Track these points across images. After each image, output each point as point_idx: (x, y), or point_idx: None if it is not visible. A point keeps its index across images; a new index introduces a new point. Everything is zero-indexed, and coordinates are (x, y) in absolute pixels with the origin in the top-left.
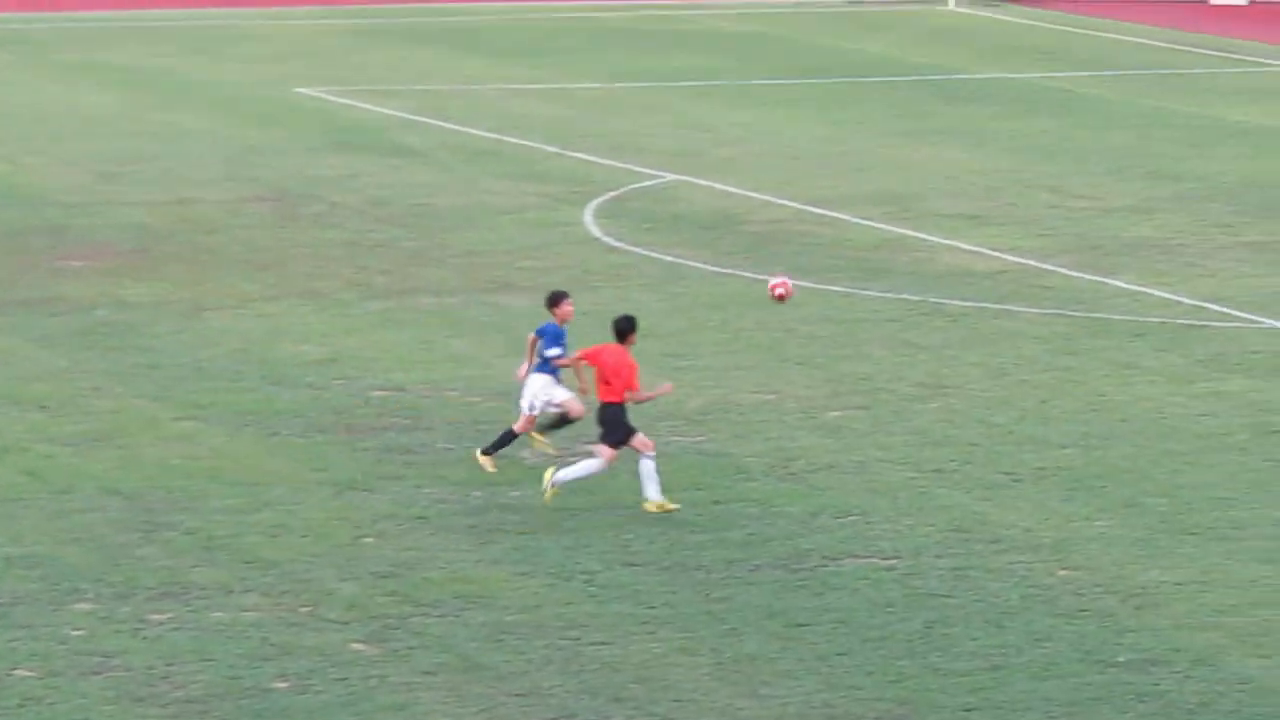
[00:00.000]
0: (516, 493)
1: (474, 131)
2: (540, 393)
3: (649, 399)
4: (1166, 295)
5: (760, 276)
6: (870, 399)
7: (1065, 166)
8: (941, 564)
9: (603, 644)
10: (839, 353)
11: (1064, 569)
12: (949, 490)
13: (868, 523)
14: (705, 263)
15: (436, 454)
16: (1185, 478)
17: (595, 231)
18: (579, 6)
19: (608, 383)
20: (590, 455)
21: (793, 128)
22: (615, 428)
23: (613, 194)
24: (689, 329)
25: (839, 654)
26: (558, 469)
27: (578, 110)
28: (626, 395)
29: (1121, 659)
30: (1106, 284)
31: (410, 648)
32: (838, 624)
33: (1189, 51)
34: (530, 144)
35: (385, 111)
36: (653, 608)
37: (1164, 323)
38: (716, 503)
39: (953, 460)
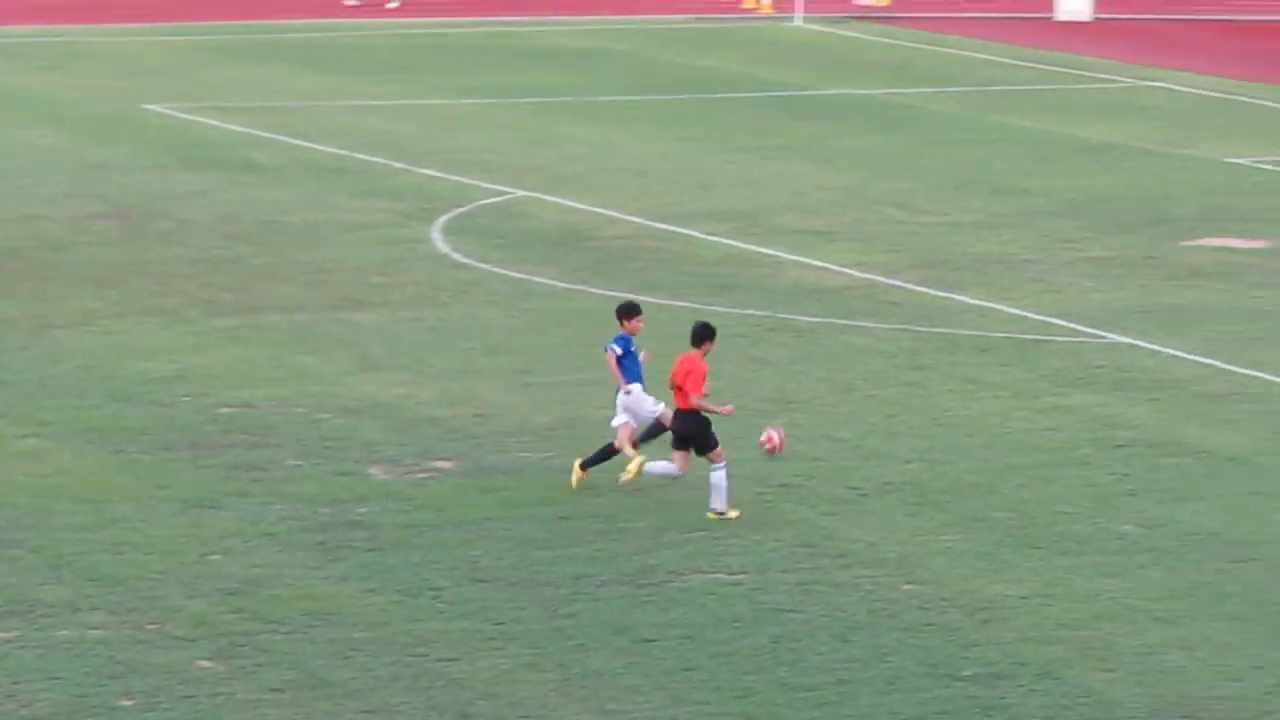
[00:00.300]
0: (364, 509)
1: (322, 148)
2: (646, 403)
3: (710, 410)
4: (1012, 311)
5: (609, 293)
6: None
7: (912, 182)
8: (788, 579)
9: (450, 660)
10: None
11: (909, 583)
12: (795, 505)
13: (714, 538)
14: (553, 279)
15: (285, 471)
16: (1030, 492)
17: (443, 248)
18: (425, 23)
19: (681, 390)
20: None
21: (639, 144)
22: (702, 433)
23: (460, 210)
24: (537, 346)
25: (686, 669)
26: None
27: (425, 127)
28: (691, 399)
29: (967, 673)
30: (953, 299)
31: (257, 665)
32: (685, 639)
33: (1034, 68)
34: (378, 160)
35: (233, 128)
36: (500, 624)
37: (1009, 338)
38: (564, 518)
39: (799, 475)
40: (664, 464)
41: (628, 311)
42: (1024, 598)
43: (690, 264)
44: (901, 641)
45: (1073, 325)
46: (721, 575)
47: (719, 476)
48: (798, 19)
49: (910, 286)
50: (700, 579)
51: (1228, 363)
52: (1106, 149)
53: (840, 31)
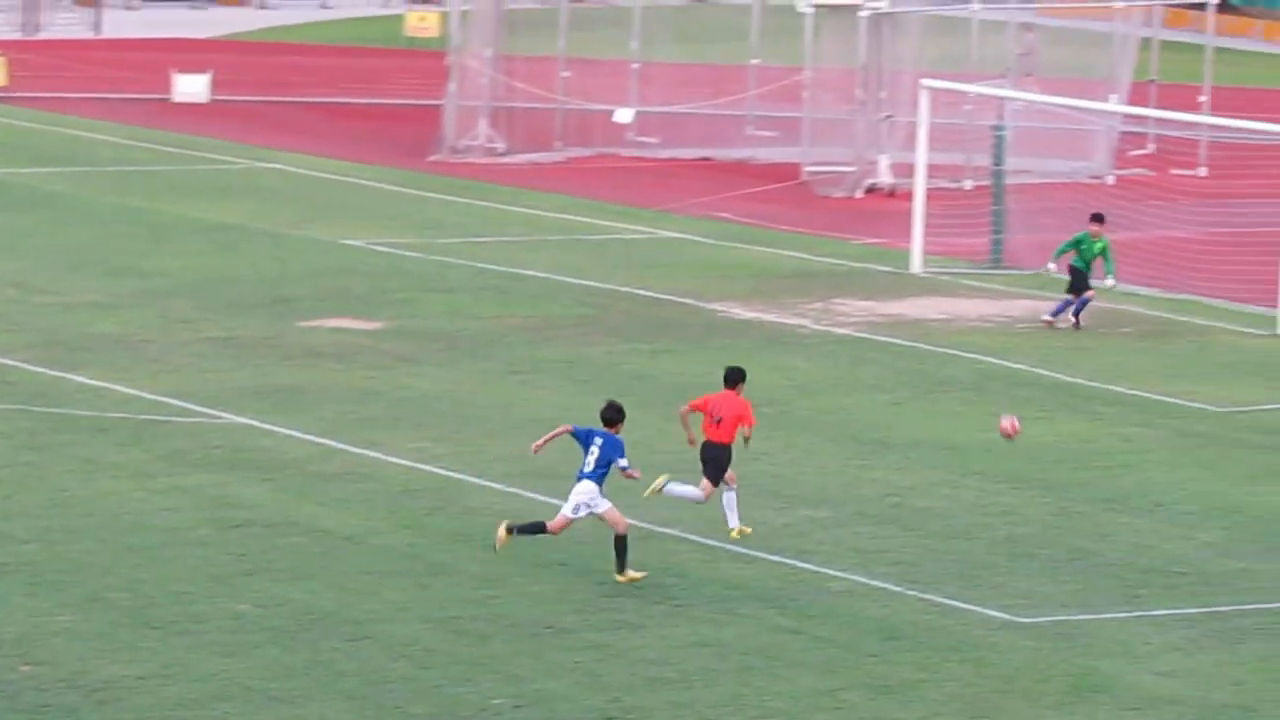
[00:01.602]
0: None
1: None
2: (586, 500)
3: (747, 441)
4: (129, 391)
5: None
6: None
7: (28, 262)
8: None
9: None
10: None
11: (27, 664)
12: None
13: None
14: None
15: None
16: (147, 572)
17: None
18: None
19: (718, 424)
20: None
21: None
22: (718, 466)
23: None
24: None
25: None
26: (669, 481)
27: None
28: (741, 428)
29: None
30: (69, 379)
31: None
32: None
33: (152, 148)
34: None
35: None
36: None
37: (127, 418)
38: None
39: None
40: (690, 488)
41: (618, 418)
42: (141, 678)
43: None
44: None
45: (190, 405)
46: None
47: (689, 491)
48: None
49: (26, 366)
50: None
51: (342, 442)
52: (224, 229)
53: None
